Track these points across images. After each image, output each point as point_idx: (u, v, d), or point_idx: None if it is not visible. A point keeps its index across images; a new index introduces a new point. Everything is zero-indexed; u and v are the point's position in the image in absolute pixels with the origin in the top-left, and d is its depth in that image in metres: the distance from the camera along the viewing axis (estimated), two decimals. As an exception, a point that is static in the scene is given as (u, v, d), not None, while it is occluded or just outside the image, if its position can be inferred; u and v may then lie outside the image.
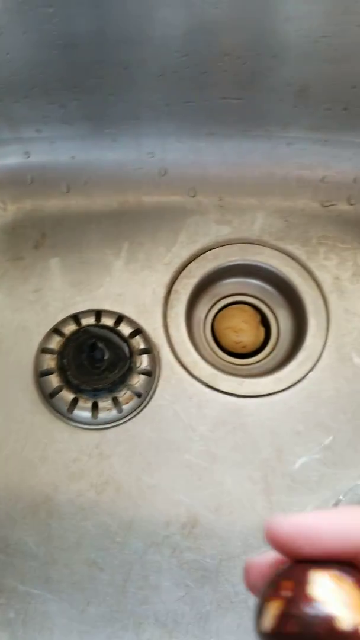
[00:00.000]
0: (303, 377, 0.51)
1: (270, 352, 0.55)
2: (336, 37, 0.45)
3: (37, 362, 0.51)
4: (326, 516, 0.20)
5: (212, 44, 0.46)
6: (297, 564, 0.19)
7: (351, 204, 0.56)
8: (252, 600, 0.47)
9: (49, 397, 0.49)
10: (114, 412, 0.49)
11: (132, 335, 0.51)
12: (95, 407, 0.49)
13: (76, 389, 0.48)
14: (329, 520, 0.20)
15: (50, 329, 0.52)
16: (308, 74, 0.48)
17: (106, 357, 0.48)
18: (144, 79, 0.49)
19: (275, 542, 0.20)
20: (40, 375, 0.50)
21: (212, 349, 0.55)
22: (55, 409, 0.49)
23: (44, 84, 0.49)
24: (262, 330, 0.56)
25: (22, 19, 0.44)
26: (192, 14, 0.43)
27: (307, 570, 0.18)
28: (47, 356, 0.50)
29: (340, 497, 0.47)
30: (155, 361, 0.51)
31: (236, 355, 0.56)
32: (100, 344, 0.47)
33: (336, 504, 0.47)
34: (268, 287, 0.56)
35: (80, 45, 0.46)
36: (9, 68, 0.47)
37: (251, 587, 0.22)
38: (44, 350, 0.50)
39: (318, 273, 0.54)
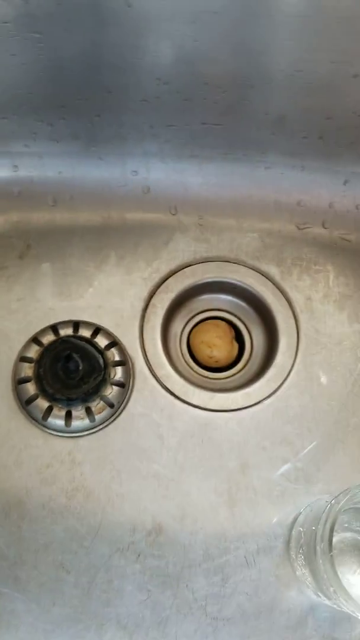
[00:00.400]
0: (271, 394, 0.53)
1: (243, 368, 0.58)
2: (310, 72, 0.47)
3: (16, 369, 0.52)
4: None
5: (192, 73, 0.48)
6: None
7: (325, 228, 0.58)
8: (210, 607, 0.49)
9: (25, 404, 0.51)
10: (86, 421, 0.51)
11: (108, 347, 0.53)
12: (69, 416, 0.50)
13: (51, 398, 0.50)
14: None
15: (30, 338, 0.53)
16: (284, 105, 0.50)
17: (81, 367, 0.50)
18: (128, 103, 0.51)
19: None
20: (18, 382, 0.52)
21: (186, 363, 0.57)
22: (31, 416, 0.51)
23: (32, 102, 0.51)
24: (235, 346, 0.58)
25: (10, 42, 0.46)
26: (173, 44, 0.45)
27: None
28: (26, 364, 0.52)
29: (301, 510, 0.49)
30: (129, 373, 0.53)
31: (210, 370, 0.58)
32: (75, 355, 0.49)
33: (295, 519, 0.49)
34: (243, 304, 0.58)
35: (66, 68, 0.48)
36: (-2, 88, 0.50)
37: None
38: (22, 358, 0.52)
39: (291, 293, 0.56)
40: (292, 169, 0.56)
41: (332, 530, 0.37)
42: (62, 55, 0.47)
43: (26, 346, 0.53)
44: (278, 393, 0.53)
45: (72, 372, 0.50)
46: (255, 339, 0.58)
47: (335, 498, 0.39)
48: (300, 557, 0.45)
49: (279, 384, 0.53)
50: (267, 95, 0.49)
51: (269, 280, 0.57)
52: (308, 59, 0.46)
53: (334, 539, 0.46)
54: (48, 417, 0.50)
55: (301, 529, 0.46)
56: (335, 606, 0.42)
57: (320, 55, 0.45)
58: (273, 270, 0.57)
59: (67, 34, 0.45)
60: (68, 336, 0.53)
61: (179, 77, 0.48)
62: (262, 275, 0.57)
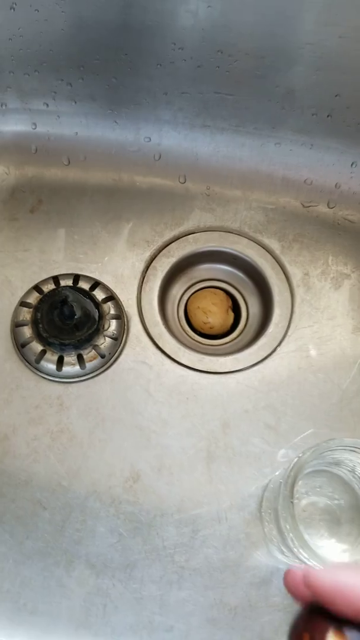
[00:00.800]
0: (260, 361, 0.54)
1: (237, 337, 0.59)
2: (319, 46, 0.48)
3: (16, 314, 0.55)
4: None
5: (205, 40, 0.50)
6: (316, 615, 0.24)
7: (330, 207, 0.59)
8: (177, 556, 0.50)
9: (20, 346, 0.53)
10: (77, 368, 0.52)
11: (105, 300, 0.55)
12: (60, 361, 0.52)
13: (45, 342, 0.52)
14: None
15: (32, 287, 0.56)
16: (294, 78, 0.51)
17: (77, 316, 0.51)
18: (143, 67, 0.53)
19: (313, 590, 0.24)
20: (16, 325, 0.54)
21: (181, 326, 0.59)
22: (25, 359, 0.53)
23: (53, 60, 0.54)
24: (231, 315, 0.59)
25: (33, -4, 0.49)
26: (188, 9, 0.47)
27: (327, 627, 0.23)
28: (25, 309, 0.54)
29: (276, 473, 0.50)
30: (123, 327, 0.54)
31: (204, 336, 0.59)
32: (71, 302, 0.51)
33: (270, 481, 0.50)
34: (242, 275, 0.60)
35: (86, 27, 0.50)
36: (21, 42, 0.52)
37: (287, 588, 0.27)
38: (22, 303, 0.54)
39: (289, 267, 0.58)
40: (301, 146, 0.57)
41: (295, 477, 0.38)
42: (82, 14, 0.49)
43: (28, 293, 0.55)
44: (267, 361, 0.54)
45: (67, 319, 0.51)
46: (251, 310, 0.59)
47: (303, 451, 0.40)
48: (269, 513, 0.46)
49: (268, 352, 0.54)
50: (277, 67, 0.50)
51: (269, 253, 0.58)
52: (318, 31, 0.47)
53: (304, 502, 0.47)
54: (41, 360, 0.52)
55: (272, 486, 0.47)
56: (296, 563, 0.43)
57: (330, 29, 0.47)
58: (274, 245, 0.58)
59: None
60: (67, 286, 0.54)
61: (192, 43, 0.50)
62: (263, 248, 0.58)
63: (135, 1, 0.49)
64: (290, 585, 0.27)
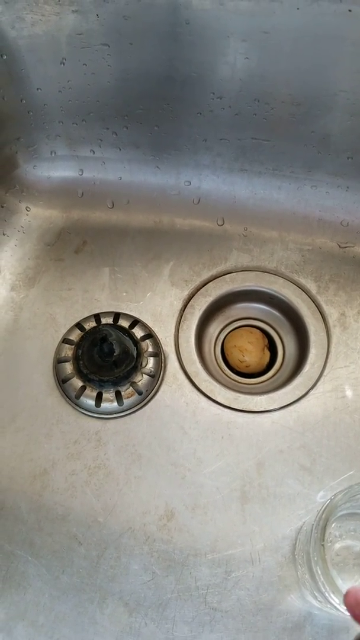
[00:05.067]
0: (295, 401, 0.54)
1: (273, 376, 0.59)
2: (353, 92, 0.49)
3: (58, 350, 0.57)
4: None
5: (242, 89, 0.52)
6: None
7: (367, 248, 0.60)
8: (210, 597, 0.50)
9: (62, 382, 0.55)
10: (115, 405, 0.54)
11: (144, 338, 0.56)
12: (99, 397, 0.54)
13: (85, 378, 0.54)
14: None
15: (74, 324, 0.58)
16: (329, 123, 0.52)
17: (115, 353, 0.53)
18: (184, 115, 0.55)
19: None
20: (58, 361, 0.56)
21: (218, 365, 0.60)
22: (65, 394, 0.55)
23: (99, 110, 0.57)
24: (267, 354, 0.59)
25: (83, 52, 0.52)
26: (226, 61, 0.50)
27: None
28: (67, 346, 0.56)
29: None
30: (160, 365, 0.56)
31: (240, 375, 0.60)
32: (111, 340, 0.53)
33: (304, 523, 0.49)
34: (278, 314, 0.60)
35: (130, 79, 0.53)
36: (70, 94, 0.56)
37: (348, 607, 0.27)
38: (65, 340, 0.57)
39: (326, 307, 0.58)
40: (337, 189, 0.58)
41: (326, 520, 0.38)
42: (127, 67, 0.52)
43: (70, 330, 0.58)
44: (302, 401, 0.54)
45: (107, 356, 0.53)
46: (287, 349, 0.60)
47: (335, 493, 0.40)
48: (302, 556, 0.45)
49: (304, 392, 0.55)
50: (312, 113, 0.52)
51: (305, 293, 0.59)
52: (351, 79, 0.49)
53: (338, 545, 0.46)
54: (81, 395, 0.54)
55: (305, 529, 0.46)
56: (329, 608, 0.42)
57: (363, 77, 0.48)
58: (310, 285, 0.59)
59: (132, 47, 0.50)
60: (108, 324, 0.56)
61: (231, 92, 0.52)
62: (300, 287, 0.59)
63: (177, 54, 0.52)
64: (351, 604, 0.26)
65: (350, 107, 0.50)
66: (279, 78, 0.50)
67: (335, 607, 0.38)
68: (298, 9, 0.45)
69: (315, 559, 0.38)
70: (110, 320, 0.57)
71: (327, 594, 0.37)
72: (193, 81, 0.52)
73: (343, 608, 0.37)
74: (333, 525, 0.45)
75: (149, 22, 0.48)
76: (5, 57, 0.54)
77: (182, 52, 0.50)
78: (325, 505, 0.39)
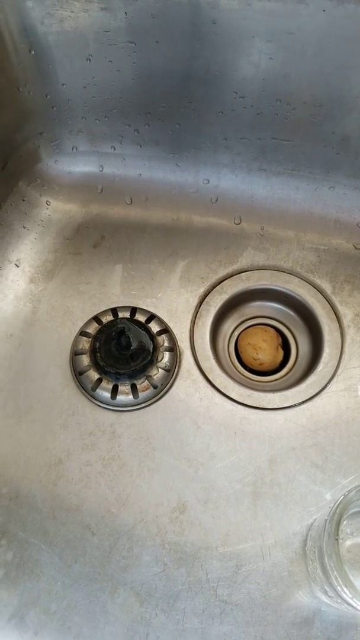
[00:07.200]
0: (308, 399, 0.55)
1: (286, 374, 0.60)
2: (375, 96, 0.50)
3: (75, 342, 0.57)
4: None
5: (265, 89, 0.52)
6: None
7: (383, 250, 0.60)
8: (220, 590, 0.51)
9: (78, 374, 0.56)
10: (130, 397, 0.54)
11: (160, 333, 0.57)
12: (115, 390, 0.55)
13: (102, 370, 0.55)
14: None
15: (92, 317, 0.59)
16: (349, 125, 0.53)
17: (132, 346, 0.54)
18: (206, 114, 0.56)
19: None
20: (75, 354, 0.57)
21: (232, 362, 0.60)
22: (82, 386, 0.56)
23: (122, 107, 0.58)
24: (281, 352, 0.60)
25: (109, 49, 0.53)
26: (250, 60, 0.50)
27: None
28: (84, 339, 0.57)
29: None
30: (175, 360, 0.56)
31: (254, 372, 0.60)
32: (129, 333, 0.53)
33: (315, 520, 0.50)
34: (292, 313, 0.61)
35: (154, 77, 0.54)
36: (94, 90, 0.57)
37: None
38: (82, 333, 0.57)
39: (340, 307, 0.58)
40: (355, 190, 0.59)
41: (341, 515, 0.39)
42: (151, 65, 0.53)
43: (87, 323, 0.58)
44: (315, 400, 0.55)
45: (124, 349, 0.54)
46: (300, 348, 0.60)
47: (349, 489, 0.40)
48: (313, 551, 0.46)
49: (317, 391, 0.55)
50: (333, 114, 0.53)
51: (320, 293, 0.59)
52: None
53: (349, 542, 0.47)
54: (97, 388, 0.55)
55: (317, 525, 0.47)
56: (339, 604, 0.42)
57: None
58: (325, 285, 0.60)
59: (158, 46, 0.51)
60: (125, 318, 0.57)
61: (253, 92, 0.53)
62: (315, 287, 0.60)
63: (200, 53, 0.52)
64: None
65: (371, 109, 0.51)
66: (302, 79, 0.51)
67: (346, 602, 0.38)
68: (324, 10, 0.46)
69: (329, 552, 0.39)
70: (127, 315, 0.58)
71: (339, 588, 0.38)
72: (216, 80, 0.53)
73: (354, 602, 0.37)
74: (344, 522, 0.45)
75: (176, 20, 0.49)
76: (33, 52, 0.55)
77: (206, 51, 0.51)
78: (339, 501, 0.40)
